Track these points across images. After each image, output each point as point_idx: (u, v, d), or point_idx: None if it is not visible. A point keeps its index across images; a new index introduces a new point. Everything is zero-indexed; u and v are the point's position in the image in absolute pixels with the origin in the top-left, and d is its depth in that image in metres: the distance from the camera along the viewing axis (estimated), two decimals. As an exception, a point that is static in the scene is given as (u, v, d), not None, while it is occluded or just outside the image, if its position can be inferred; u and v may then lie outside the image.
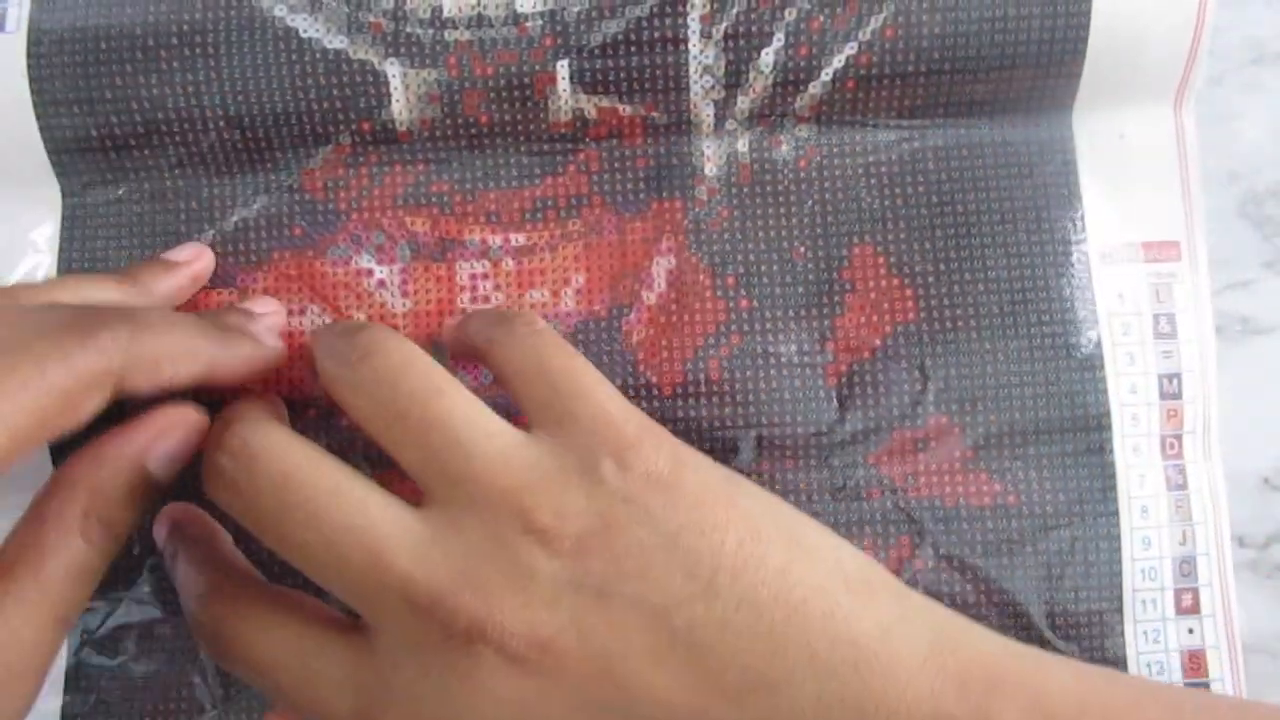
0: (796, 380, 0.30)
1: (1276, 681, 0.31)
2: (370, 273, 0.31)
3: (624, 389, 0.30)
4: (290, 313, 0.31)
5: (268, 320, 0.30)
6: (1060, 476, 0.30)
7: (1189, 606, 0.30)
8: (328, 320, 0.31)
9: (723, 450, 0.30)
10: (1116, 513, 0.30)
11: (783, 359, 0.30)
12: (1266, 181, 0.33)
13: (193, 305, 0.31)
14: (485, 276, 0.31)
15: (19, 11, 0.30)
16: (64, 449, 0.30)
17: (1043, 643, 0.29)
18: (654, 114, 0.31)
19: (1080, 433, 0.30)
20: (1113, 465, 0.30)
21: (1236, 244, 0.33)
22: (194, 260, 0.31)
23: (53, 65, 0.30)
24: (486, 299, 0.31)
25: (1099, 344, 0.30)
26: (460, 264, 0.31)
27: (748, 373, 0.30)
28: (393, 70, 0.30)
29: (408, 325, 0.31)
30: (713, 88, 0.31)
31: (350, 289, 0.31)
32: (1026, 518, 0.30)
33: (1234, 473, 0.31)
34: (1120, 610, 0.30)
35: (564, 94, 0.31)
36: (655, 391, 0.30)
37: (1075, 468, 0.30)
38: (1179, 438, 0.31)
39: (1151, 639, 0.30)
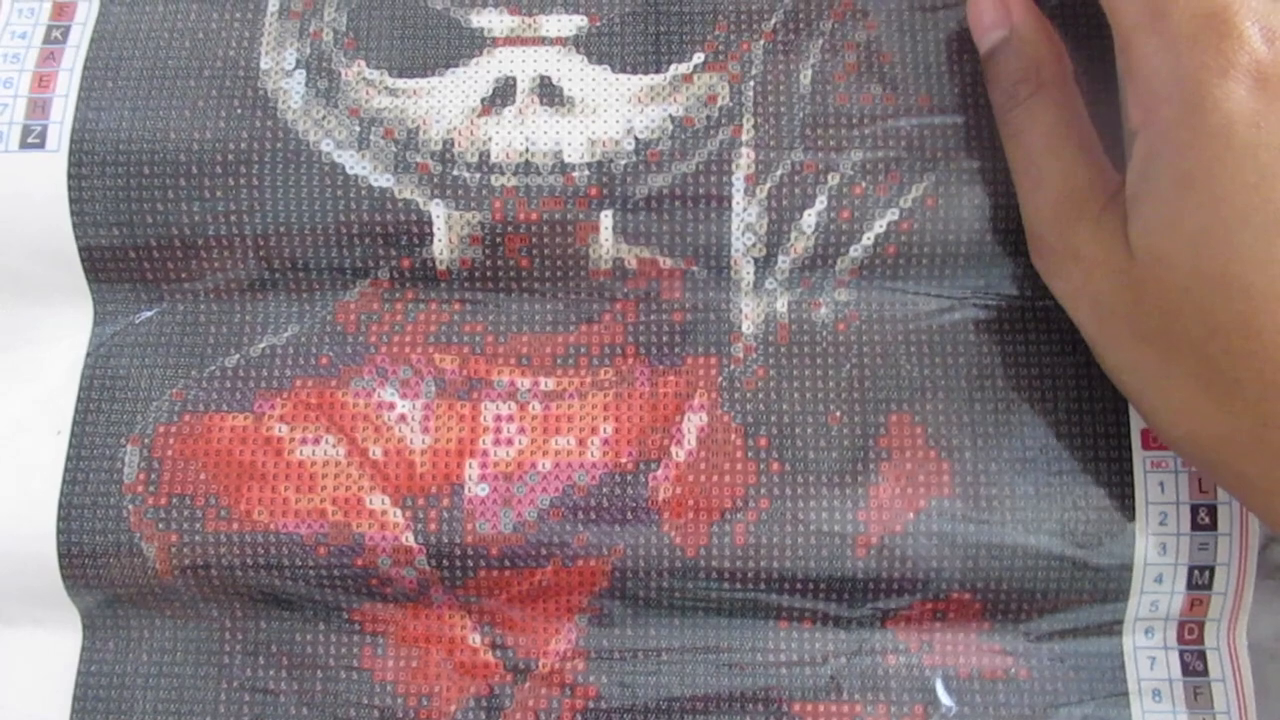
0: (824, 549, 0.29)
1: (1273, 682, 0.30)
2: (392, 406, 0.31)
3: (646, 548, 0.29)
4: (304, 441, 0.30)
5: None
6: (1072, 656, 0.30)
7: None
8: (342, 452, 0.30)
9: (740, 612, 0.30)
10: (1125, 694, 0.30)
11: (811, 526, 0.30)
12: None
13: (206, 431, 0.30)
14: (510, 419, 0.31)
15: (60, 130, 0.30)
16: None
17: None
18: (694, 268, 0.31)
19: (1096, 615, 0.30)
20: (1120, 653, 0.30)
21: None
22: None
23: (94, 186, 0.30)
24: (510, 441, 0.30)
25: (1132, 544, 0.30)
26: (486, 404, 0.31)
27: (774, 539, 0.29)
28: (437, 210, 0.30)
29: (425, 463, 0.30)
30: (754, 245, 0.30)
31: (369, 421, 0.30)
32: (1038, 694, 0.29)
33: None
34: None
35: (606, 243, 0.30)
36: (679, 552, 0.29)
37: (1088, 651, 0.30)
38: (1200, 624, 0.30)
39: None
